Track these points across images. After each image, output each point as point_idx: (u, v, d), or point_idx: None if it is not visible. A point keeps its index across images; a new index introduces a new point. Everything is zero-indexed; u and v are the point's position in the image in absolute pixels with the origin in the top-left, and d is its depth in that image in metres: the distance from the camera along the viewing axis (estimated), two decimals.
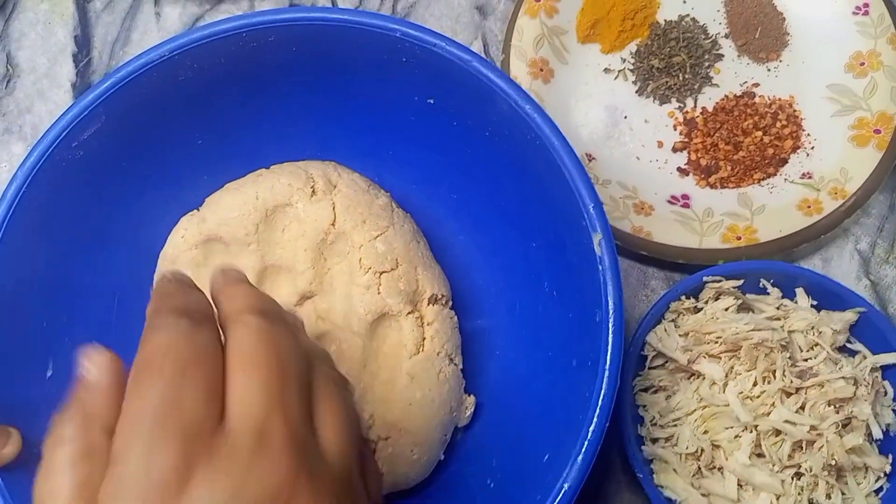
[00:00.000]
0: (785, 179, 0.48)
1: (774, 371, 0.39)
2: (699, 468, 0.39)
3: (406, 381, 0.37)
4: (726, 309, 0.41)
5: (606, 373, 0.31)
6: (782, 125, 0.49)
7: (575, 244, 0.34)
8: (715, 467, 0.39)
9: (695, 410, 0.40)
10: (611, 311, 0.32)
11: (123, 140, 0.38)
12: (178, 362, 0.22)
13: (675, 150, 0.49)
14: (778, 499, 0.37)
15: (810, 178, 0.47)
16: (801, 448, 0.38)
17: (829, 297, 0.41)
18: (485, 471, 0.37)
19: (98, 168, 0.38)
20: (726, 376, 0.39)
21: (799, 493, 0.37)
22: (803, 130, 0.49)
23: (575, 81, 0.51)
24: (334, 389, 0.26)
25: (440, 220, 0.43)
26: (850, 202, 0.45)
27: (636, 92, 0.51)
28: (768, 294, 0.42)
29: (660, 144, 0.50)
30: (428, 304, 0.39)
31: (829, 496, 0.38)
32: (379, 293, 0.38)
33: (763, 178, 0.48)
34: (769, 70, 0.51)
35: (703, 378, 0.40)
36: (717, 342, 0.40)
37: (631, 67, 0.51)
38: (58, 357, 0.37)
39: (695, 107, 0.50)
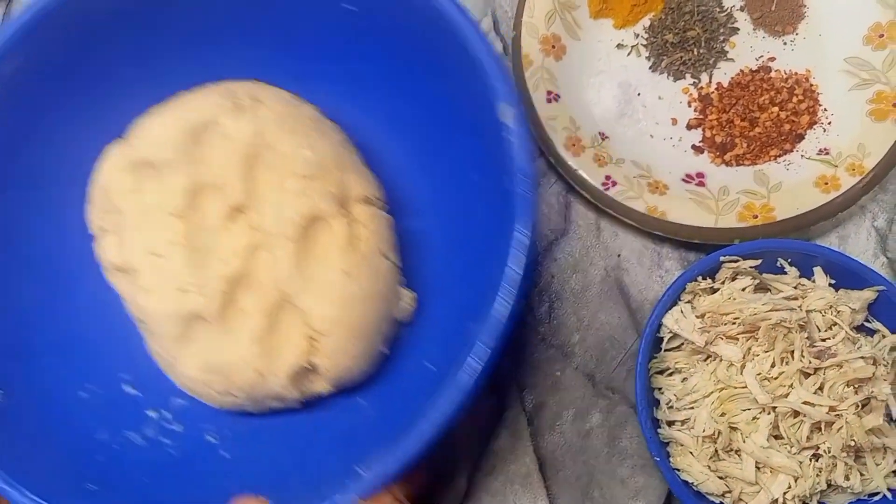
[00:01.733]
0: (802, 156, 0.47)
1: (792, 352, 0.39)
2: (716, 451, 0.39)
3: (342, 279, 0.38)
4: (743, 289, 0.41)
5: (515, 236, 0.32)
6: (799, 100, 0.48)
7: (489, 125, 0.34)
8: (732, 450, 0.39)
9: (712, 392, 0.39)
10: (520, 180, 0.33)
11: (42, 75, 0.39)
12: None
13: (689, 127, 0.49)
14: (796, 480, 0.37)
15: (827, 153, 0.46)
16: (820, 429, 0.38)
17: (847, 275, 0.41)
18: (428, 359, 0.39)
19: (18, 104, 0.39)
20: (744, 357, 0.39)
21: (817, 475, 0.37)
22: (820, 105, 0.48)
23: (588, 58, 0.50)
24: None
25: (371, 130, 0.44)
26: (868, 178, 0.44)
27: (650, 68, 0.50)
28: (786, 273, 0.41)
29: (674, 122, 0.49)
30: (359, 205, 0.40)
31: (847, 477, 0.37)
32: (308, 197, 0.38)
33: (779, 155, 0.47)
34: (785, 43, 0.49)
35: (721, 360, 0.39)
36: (734, 323, 0.39)
37: (644, 43, 0.50)
38: None
39: (710, 82, 0.49)
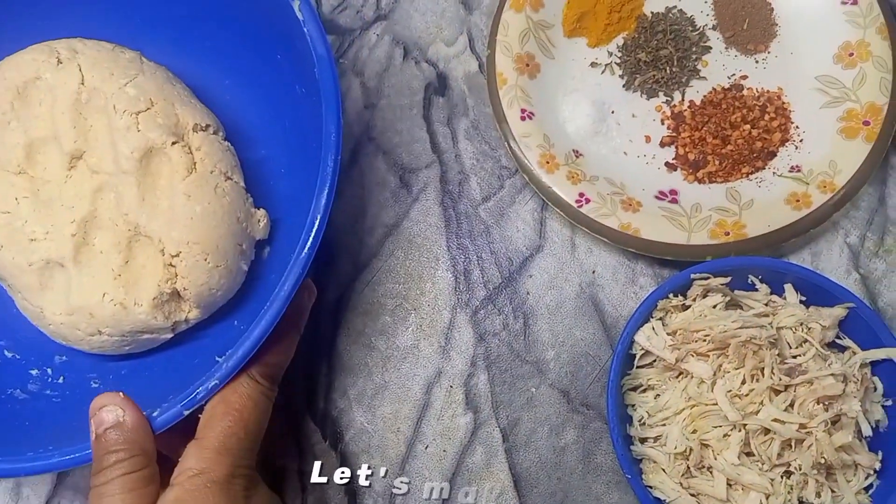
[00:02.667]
0: (773, 173, 0.47)
1: (763, 369, 0.39)
2: (688, 468, 0.39)
3: (184, 200, 0.40)
4: (714, 306, 0.41)
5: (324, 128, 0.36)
6: (771, 118, 0.48)
7: (294, 30, 0.38)
8: (704, 467, 0.39)
9: (683, 409, 0.39)
10: (318, 61, 0.37)
11: None
12: None
13: (662, 144, 0.49)
14: (767, 498, 0.37)
15: (799, 171, 0.47)
16: (791, 446, 0.38)
17: (818, 292, 0.41)
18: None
19: None
20: (714, 374, 0.39)
21: (789, 492, 0.37)
22: (792, 123, 0.48)
23: (562, 76, 0.50)
24: None
25: (203, 70, 0.47)
26: (840, 195, 0.45)
27: (623, 86, 0.50)
28: (757, 290, 0.42)
29: (647, 139, 0.49)
30: (194, 134, 0.42)
31: (818, 494, 0.37)
32: (139, 131, 0.40)
33: (751, 172, 0.48)
34: (757, 62, 0.50)
35: (692, 377, 0.40)
36: (704, 340, 0.40)
37: (618, 61, 0.51)
38: None
39: (682, 100, 0.50)
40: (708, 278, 0.41)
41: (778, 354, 0.39)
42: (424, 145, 0.51)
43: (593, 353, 0.47)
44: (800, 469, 0.37)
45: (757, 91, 0.49)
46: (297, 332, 0.41)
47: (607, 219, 0.45)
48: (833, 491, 0.38)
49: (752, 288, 0.42)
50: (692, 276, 0.41)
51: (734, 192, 0.47)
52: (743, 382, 0.39)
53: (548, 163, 0.47)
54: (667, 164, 0.49)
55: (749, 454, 0.38)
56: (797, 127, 0.48)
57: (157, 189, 0.40)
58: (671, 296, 0.41)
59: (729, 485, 0.38)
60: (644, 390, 0.41)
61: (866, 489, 0.38)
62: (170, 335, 0.41)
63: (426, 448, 0.46)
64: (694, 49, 0.50)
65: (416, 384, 0.47)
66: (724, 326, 0.39)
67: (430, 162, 0.51)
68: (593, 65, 0.51)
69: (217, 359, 0.37)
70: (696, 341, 0.40)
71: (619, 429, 0.39)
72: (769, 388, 0.38)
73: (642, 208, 0.46)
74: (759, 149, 0.48)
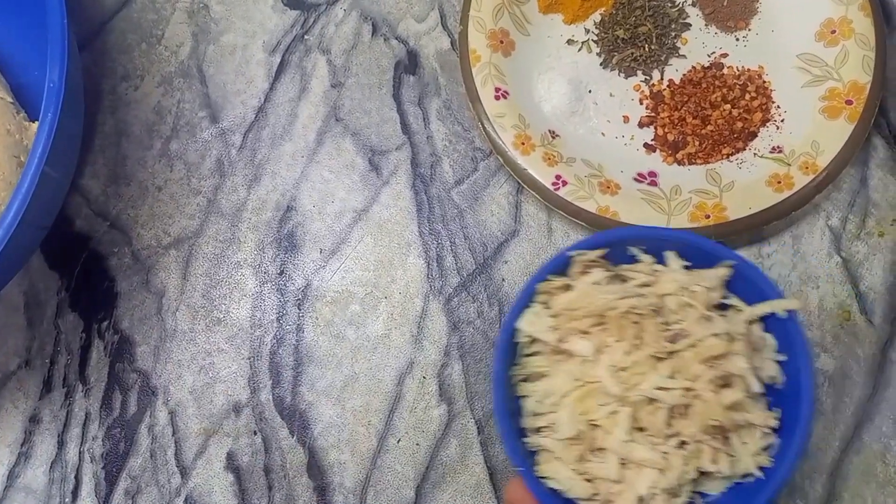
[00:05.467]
0: (754, 154, 0.46)
1: (645, 338, 0.37)
2: (583, 452, 0.36)
3: None
4: (597, 282, 0.39)
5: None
6: (751, 97, 0.47)
7: None
8: (598, 449, 0.36)
9: (570, 392, 0.37)
10: None
11: None
12: None
13: (641, 125, 0.47)
14: (663, 473, 0.35)
15: (780, 151, 0.45)
16: (681, 414, 0.35)
17: (701, 255, 0.38)
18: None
19: None
20: (598, 351, 0.37)
21: (685, 464, 0.35)
22: (773, 102, 0.47)
23: (537, 54, 0.49)
24: None
25: None
26: (822, 177, 0.44)
27: (601, 64, 0.49)
28: (640, 262, 0.39)
29: (625, 119, 0.48)
30: None
31: (714, 461, 0.35)
32: None
33: (732, 154, 0.46)
34: (738, 39, 0.49)
35: (576, 357, 0.37)
36: (585, 317, 0.38)
37: (595, 38, 0.49)
38: None
39: (661, 79, 0.48)
40: (585, 254, 0.38)
41: (664, 322, 0.37)
42: (395, 126, 0.49)
43: None
44: (693, 436, 0.35)
45: (737, 70, 0.48)
46: None
47: (585, 202, 0.44)
48: (731, 455, 0.36)
49: (636, 260, 0.40)
50: (569, 253, 0.39)
51: (714, 174, 0.46)
52: (627, 354, 0.36)
53: (523, 144, 0.45)
54: (646, 145, 0.47)
55: (642, 429, 0.36)
56: (778, 107, 0.47)
57: None
58: (552, 278, 0.39)
59: (623, 464, 0.35)
60: (534, 379, 0.39)
61: (765, 449, 0.36)
62: None
63: (398, 442, 0.44)
64: (673, 26, 0.49)
65: (387, 375, 0.45)
66: (603, 300, 0.37)
67: (401, 144, 0.49)
68: (570, 42, 0.49)
69: None
70: (578, 319, 0.37)
71: (508, 423, 0.36)
72: (652, 357, 0.36)
73: (621, 191, 0.45)
74: (740, 129, 0.46)
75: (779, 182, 0.44)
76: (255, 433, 0.45)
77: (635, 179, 0.46)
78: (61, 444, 0.45)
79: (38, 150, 0.37)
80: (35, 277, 0.47)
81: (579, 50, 0.49)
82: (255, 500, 0.44)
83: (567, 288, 0.39)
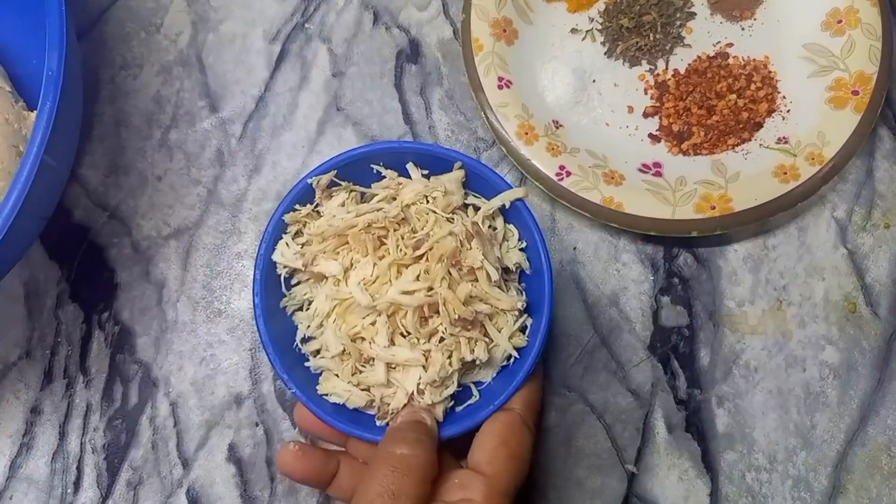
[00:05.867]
0: (760, 145, 0.45)
1: (388, 250, 0.38)
2: (354, 365, 0.38)
3: None
4: (342, 204, 0.40)
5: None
6: (757, 87, 0.46)
7: None
8: (368, 359, 0.38)
9: (331, 312, 0.38)
10: None
11: None
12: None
13: (645, 115, 0.47)
14: (427, 370, 0.36)
15: (786, 142, 0.45)
16: (436, 313, 0.36)
17: (437, 162, 0.40)
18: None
19: None
20: (347, 269, 0.38)
21: (448, 357, 0.36)
22: (779, 93, 0.47)
23: (541, 43, 0.48)
24: None
25: None
26: (828, 168, 0.43)
27: (605, 53, 0.48)
28: (384, 178, 0.40)
29: (630, 109, 0.47)
30: None
31: (472, 350, 0.37)
32: None
33: (737, 144, 0.46)
34: (743, 29, 0.48)
35: (328, 278, 0.39)
36: (329, 238, 0.39)
37: (599, 27, 0.48)
38: None
39: (666, 69, 0.48)
40: (319, 178, 0.39)
41: (412, 230, 0.38)
42: (396, 116, 0.49)
43: (574, 333, 0.45)
44: (447, 331, 0.36)
45: (743, 60, 0.47)
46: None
47: (589, 193, 0.43)
48: (492, 342, 0.37)
49: (382, 177, 0.41)
50: (309, 180, 0.39)
51: (720, 165, 0.45)
52: (374, 267, 0.37)
53: (526, 134, 0.45)
54: (650, 135, 0.47)
55: (406, 334, 0.37)
56: (784, 97, 0.46)
57: None
58: (298, 206, 0.40)
59: (392, 368, 0.37)
60: (305, 308, 0.40)
61: (522, 331, 0.38)
62: None
63: None
64: (678, 15, 0.48)
65: None
66: (341, 219, 0.38)
67: (403, 133, 0.48)
68: (574, 31, 0.48)
69: None
70: (325, 241, 0.39)
71: (277, 353, 0.37)
72: (395, 265, 0.37)
73: (625, 182, 0.44)
74: (746, 119, 0.46)
75: (785, 173, 0.44)
76: (256, 425, 0.44)
77: (640, 170, 0.45)
78: (63, 435, 0.45)
79: (37, 138, 0.37)
80: (35, 268, 0.47)
81: (583, 39, 0.48)
82: (258, 491, 0.43)
83: (320, 215, 0.40)
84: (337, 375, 0.38)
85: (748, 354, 0.44)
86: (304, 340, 0.39)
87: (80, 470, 0.44)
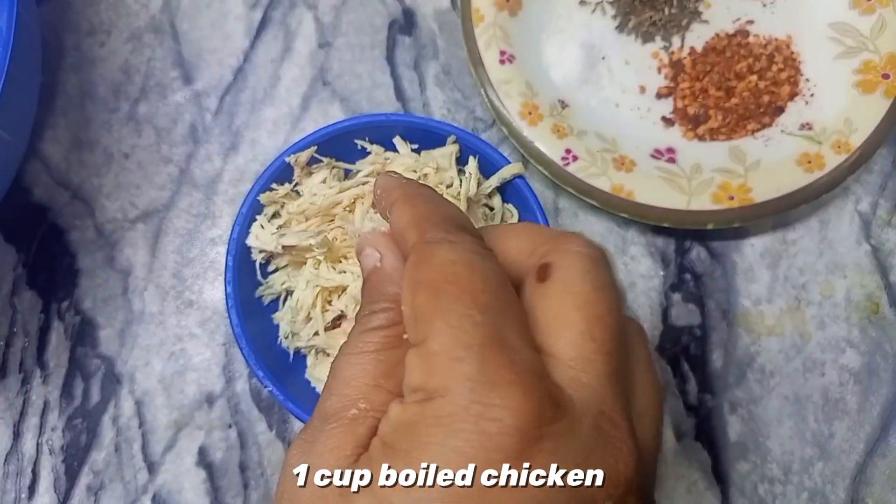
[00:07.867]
0: (782, 131, 0.42)
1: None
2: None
3: None
4: (323, 181, 0.37)
5: None
6: (779, 69, 0.43)
7: None
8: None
9: (315, 300, 0.36)
10: None
11: None
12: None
13: (659, 96, 0.43)
14: None
15: (811, 129, 0.42)
16: None
17: (428, 136, 0.37)
18: None
19: None
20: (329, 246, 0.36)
21: None
22: (802, 75, 0.43)
23: (547, 14, 0.44)
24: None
25: None
26: (855, 157, 0.40)
27: (616, 28, 0.44)
28: (370, 153, 0.38)
29: (642, 90, 0.44)
30: None
31: None
32: None
33: (757, 129, 0.42)
34: (765, 5, 0.44)
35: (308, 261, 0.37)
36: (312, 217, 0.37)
37: (610, 0, 0.45)
38: None
39: (682, 46, 0.44)
40: (299, 155, 0.37)
41: None
42: (387, 91, 0.45)
43: None
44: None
45: (764, 39, 0.44)
46: None
47: (597, 179, 0.40)
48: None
49: (367, 154, 0.38)
50: (286, 159, 0.36)
51: (738, 152, 0.42)
52: None
53: (530, 114, 0.41)
54: (664, 118, 0.43)
55: None
56: (808, 80, 0.43)
57: None
58: (275, 185, 0.37)
59: None
60: (283, 301, 0.38)
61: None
62: None
63: None
64: None
65: None
66: (324, 196, 0.36)
67: (394, 111, 0.45)
68: (582, 3, 0.45)
69: None
70: (307, 220, 0.36)
71: (251, 348, 0.35)
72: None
73: (636, 168, 0.41)
74: (767, 103, 0.43)
75: (809, 162, 0.40)
76: (229, 426, 0.41)
77: (652, 156, 0.42)
78: (17, 434, 0.41)
79: None
80: None
81: (593, 12, 0.45)
82: (230, 499, 0.40)
83: (299, 195, 0.38)
84: (328, 354, 0.36)
85: (764, 357, 0.41)
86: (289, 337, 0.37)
87: (35, 473, 0.41)
